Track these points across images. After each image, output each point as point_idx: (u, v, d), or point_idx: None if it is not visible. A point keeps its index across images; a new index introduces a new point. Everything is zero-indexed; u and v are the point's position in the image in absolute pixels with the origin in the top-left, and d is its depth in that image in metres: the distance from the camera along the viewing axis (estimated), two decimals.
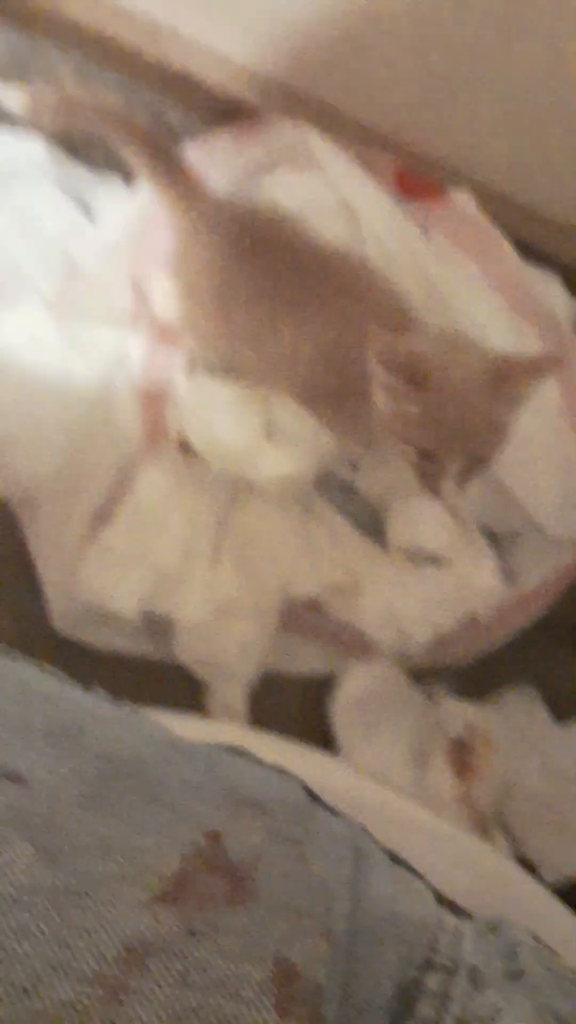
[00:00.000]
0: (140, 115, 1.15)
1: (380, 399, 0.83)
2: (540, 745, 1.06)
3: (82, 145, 1.13)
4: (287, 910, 0.33)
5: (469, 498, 1.08)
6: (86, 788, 0.34)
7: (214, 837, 0.34)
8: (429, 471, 0.83)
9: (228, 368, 1.02)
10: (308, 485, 1.08)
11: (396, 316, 0.90)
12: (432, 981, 0.35)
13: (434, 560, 1.08)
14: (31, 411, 1.03)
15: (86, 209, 1.13)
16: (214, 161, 1.04)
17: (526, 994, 0.35)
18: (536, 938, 0.39)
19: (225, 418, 1.03)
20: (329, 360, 0.92)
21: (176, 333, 1.03)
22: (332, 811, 0.42)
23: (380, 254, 1.05)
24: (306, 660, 1.08)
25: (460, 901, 0.45)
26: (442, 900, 0.42)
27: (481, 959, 0.36)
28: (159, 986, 0.29)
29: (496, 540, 1.11)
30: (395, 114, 1.12)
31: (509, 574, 1.09)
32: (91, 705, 0.40)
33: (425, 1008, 0.34)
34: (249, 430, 1.03)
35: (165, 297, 1.02)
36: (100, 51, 1.13)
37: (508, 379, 0.79)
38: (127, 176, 1.09)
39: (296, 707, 1.08)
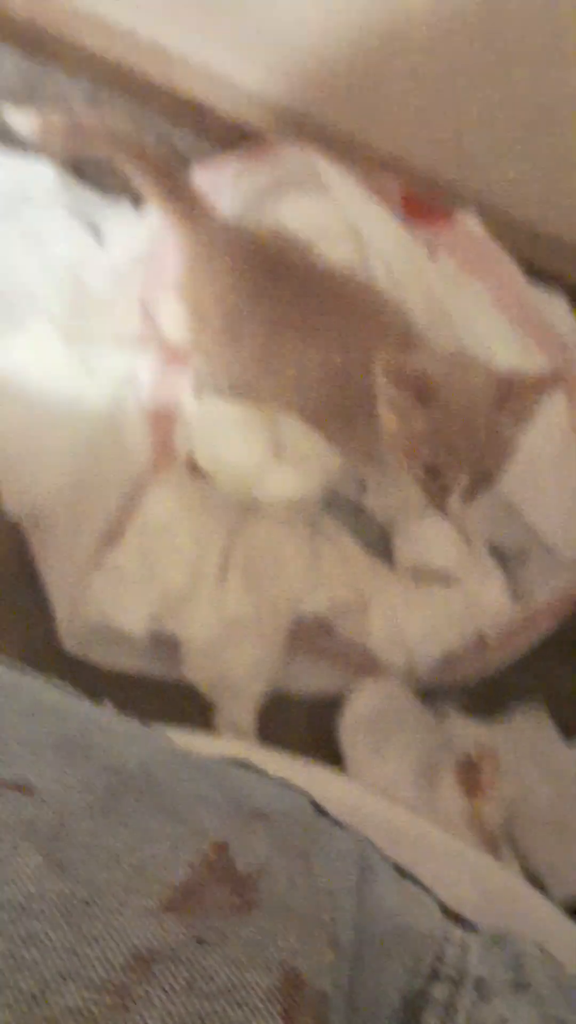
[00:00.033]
0: (149, 140, 1.17)
1: (386, 415, 0.83)
2: (549, 763, 1.06)
3: (92, 170, 1.15)
4: (293, 919, 0.33)
5: (476, 517, 1.08)
6: (94, 799, 0.34)
7: (221, 848, 0.35)
8: (435, 487, 0.83)
9: (236, 389, 1.03)
10: (316, 504, 1.08)
11: (403, 336, 0.91)
12: (438, 992, 0.35)
13: (442, 579, 1.08)
14: (41, 432, 1.04)
15: (96, 233, 1.14)
16: (222, 185, 1.05)
17: (532, 1005, 0.35)
18: (542, 950, 0.39)
19: (233, 438, 1.03)
20: (336, 380, 0.92)
21: (184, 354, 1.04)
22: (338, 824, 0.42)
23: (387, 276, 1.06)
24: (314, 679, 1.08)
25: (467, 915, 0.45)
26: (448, 913, 0.42)
27: (487, 970, 0.36)
28: (166, 993, 0.29)
29: (504, 558, 1.12)
30: (401, 137, 1.14)
31: (517, 592, 1.09)
32: (99, 718, 0.40)
33: (431, 1019, 0.34)
34: (257, 450, 1.03)
35: (173, 319, 1.03)
36: (110, 77, 1.15)
37: (514, 395, 0.80)
38: (136, 200, 1.10)
39: (304, 726, 1.08)
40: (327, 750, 1.05)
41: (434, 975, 0.36)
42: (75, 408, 1.05)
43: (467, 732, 1.06)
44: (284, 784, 0.43)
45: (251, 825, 0.37)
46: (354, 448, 1.01)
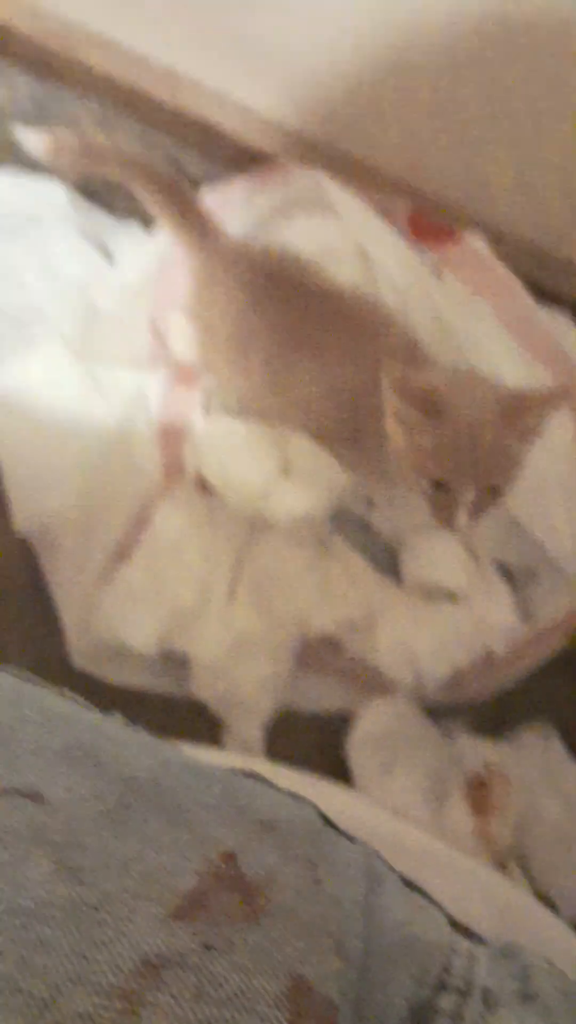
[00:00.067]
0: (159, 162, 1.18)
1: (394, 431, 0.84)
2: (557, 782, 1.05)
3: (102, 190, 1.16)
4: (301, 927, 0.33)
5: (484, 534, 1.09)
6: (104, 807, 0.35)
7: (229, 856, 0.35)
8: (443, 503, 0.83)
9: (245, 407, 1.04)
10: (324, 522, 1.09)
11: (410, 354, 0.92)
12: (445, 1002, 0.35)
13: (450, 597, 1.08)
14: (51, 449, 1.04)
15: (106, 253, 1.15)
16: (231, 206, 1.06)
17: (539, 1016, 0.35)
18: (549, 962, 0.39)
19: (242, 456, 1.04)
20: (344, 398, 0.93)
21: (194, 374, 1.05)
22: (346, 836, 0.43)
23: (394, 295, 1.07)
24: (322, 697, 1.08)
25: (476, 930, 0.45)
26: (456, 925, 0.42)
27: (494, 981, 0.36)
28: (175, 999, 0.29)
29: (512, 576, 1.12)
30: (409, 161, 1.15)
31: (525, 610, 1.09)
32: (109, 728, 0.41)
33: None
34: (266, 468, 1.04)
35: (183, 338, 1.04)
36: (120, 99, 1.16)
37: (520, 412, 0.80)
38: (146, 221, 1.11)
39: (313, 744, 1.08)
40: (335, 767, 1.05)
41: (441, 985, 0.36)
42: (85, 426, 1.06)
43: (476, 750, 1.06)
44: (292, 794, 0.43)
45: (259, 834, 0.37)
46: (362, 465, 1.01)
